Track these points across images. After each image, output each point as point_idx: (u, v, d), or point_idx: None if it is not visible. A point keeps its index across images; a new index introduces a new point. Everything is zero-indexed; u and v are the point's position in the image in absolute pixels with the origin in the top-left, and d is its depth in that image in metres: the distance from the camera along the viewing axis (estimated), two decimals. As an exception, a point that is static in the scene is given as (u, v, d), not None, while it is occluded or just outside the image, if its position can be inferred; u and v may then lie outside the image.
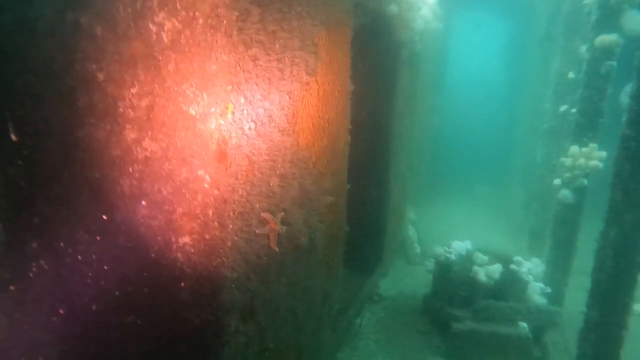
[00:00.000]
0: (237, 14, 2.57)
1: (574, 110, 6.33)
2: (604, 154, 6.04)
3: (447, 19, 13.15)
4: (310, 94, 3.74)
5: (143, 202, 2.80)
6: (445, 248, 6.48)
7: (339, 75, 4.36)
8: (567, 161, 6.22)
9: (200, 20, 2.57)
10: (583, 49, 7.77)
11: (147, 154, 2.74)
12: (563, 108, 8.28)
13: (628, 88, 4.25)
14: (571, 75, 8.10)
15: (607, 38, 5.71)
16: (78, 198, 2.67)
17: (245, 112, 2.81)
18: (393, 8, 5.82)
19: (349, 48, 4.56)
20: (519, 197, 11.57)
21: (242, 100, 2.75)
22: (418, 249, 9.57)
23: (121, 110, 2.68)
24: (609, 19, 5.74)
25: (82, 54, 2.60)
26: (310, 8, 3.50)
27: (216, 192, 2.80)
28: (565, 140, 8.42)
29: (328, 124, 4.15)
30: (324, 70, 4.00)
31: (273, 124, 3.15)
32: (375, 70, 6.50)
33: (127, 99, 2.67)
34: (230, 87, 2.63)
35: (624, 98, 4.24)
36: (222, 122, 2.68)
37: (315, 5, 3.59)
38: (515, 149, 12.79)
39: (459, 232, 11.37)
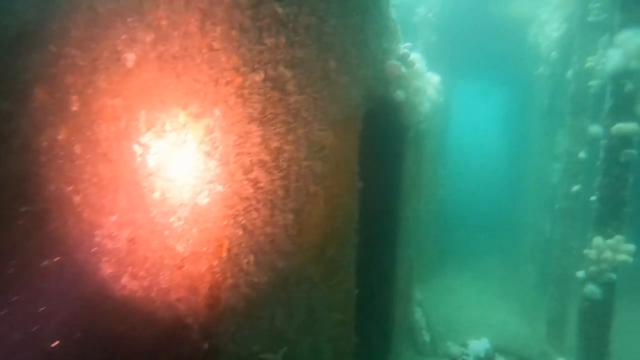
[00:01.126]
0: (234, 137, 2.19)
1: (593, 197, 5.93)
2: (632, 247, 5.60)
3: (451, 91, 13.28)
4: (317, 204, 3.33)
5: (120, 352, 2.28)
6: (462, 349, 5.83)
7: (346, 175, 3.99)
8: (592, 253, 5.75)
9: (192, 144, 2.19)
10: (592, 129, 7.58)
11: (125, 292, 2.27)
12: (576, 188, 7.95)
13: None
14: (582, 155, 7.84)
15: (625, 127, 5.44)
16: None
17: (243, 244, 2.36)
18: (400, 94, 5.58)
19: (357, 143, 4.23)
20: (530, 276, 10.99)
21: (240, 232, 2.31)
22: (427, 337, 8.84)
23: (98, 239, 2.24)
24: (624, 106, 5.50)
25: (57, 173, 2.20)
26: (318, 111, 3.17)
27: (206, 346, 2.29)
28: (579, 222, 8.05)
29: (335, 231, 3.71)
30: (332, 174, 3.62)
31: (275, 249, 2.70)
32: (382, 156, 6.17)
33: (105, 227, 2.24)
34: (225, 222, 2.20)
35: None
36: (215, 262, 2.22)
37: (324, 107, 3.26)
38: (522, 223, 12.36)
39: (469, 314, 10.69)
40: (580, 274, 6.04)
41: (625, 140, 5.55)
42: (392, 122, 5.96)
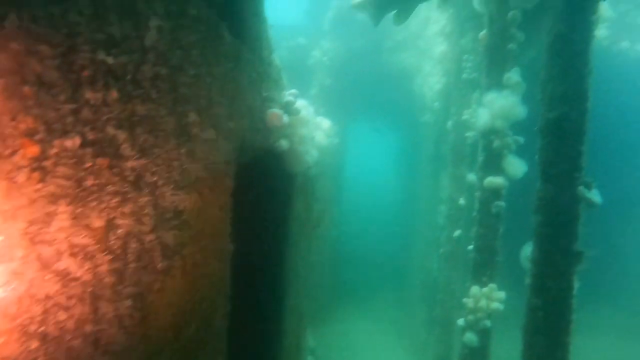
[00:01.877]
0: (24, 225, 1.70)
1: (471, 246, 6.16)
2: (503, 294, 5.85)
3: (345, 133, 13.58)
4: (171, 280, 2.87)
5: None
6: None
7: (215, 238, 3.59)
8: (469, 302, 5.90)
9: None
10: (470, 177, 8.04)
11: None
12: (457, 233, 8.31)
13: (527, 249, 4.05)
14: (462, 201, 8.24)
15: (495, 180, 5.75)
16: None
17: (41, 358, 1.84)
18: (283, 143, 5.36)
19: (229, 201, 3.87)
20: (420, 316, 11.26)
21: (35, 344, 1.79)
22: (320, 388, 8.50)
23: None
24: (493, 161, 5.83)
25: None
26: (172, 173, 2.76)
27: None
28: (461, 266, 8.40)
29: (198, 305, 3.27)
30: (194, 240, 3.21)
31: (102, 350, 2.19)
32: (263, 209, 5.86)
33: None
34: (3, 339, 1.68)
35: (524, 261, 4.06)
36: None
37: (180, 167, 2.86)
38: (412, 263, 12.76)
39: (363, 357, 10.58)
40: (460, 322, 6.17)
41: (495, 193, 5.86)
42: (275, 173, 5.71)
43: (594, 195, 3.50)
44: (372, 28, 12.86)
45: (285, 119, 4.99)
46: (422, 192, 12.14)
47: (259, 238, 5.80)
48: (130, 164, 2.27)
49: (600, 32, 8.82)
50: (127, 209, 2.29)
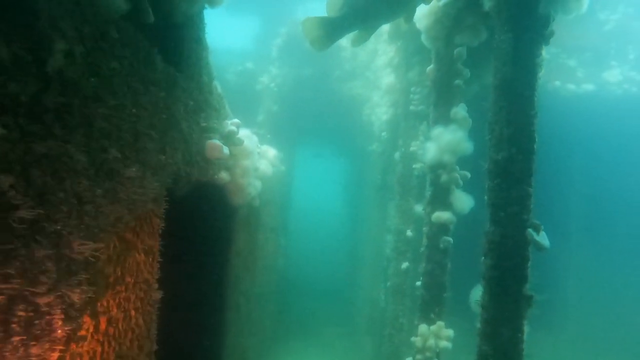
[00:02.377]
0: None
1: (418, 283, 6.01)
2: (451, 332, 5.71)
3: (293, 160, 13.35)
4: (78, 343, 2.43)
5: None
6: None
7: (138, 286, 3.17)
8: (418, 341, 5.70)
9: None
10: (417, 209, 8.00)
11: None
12: (404, 265, 8.19)
13: (477, 292, 3.91)
14: (409, 233, 8.17)
15: (442, 215, 5.67)
16: None
17: None
18: (224, 175, 5.02)
19: (157, 242, 3.46)
20: (368, 347, 11.00)
21: None
22: None
23: None
24: (440, 196, 5.76)
25: None
26: (82, 219, 2.36)
27: None
28: (408, 299, 8.25)
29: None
30: (109, 294, 2.78)
31: None
32: (204, 243, 5.44)
33: None
34: None
35: (474, 304, 3.92)
36: None
37: (95, 211, 2.47)
38: (360, 294, 12.55)
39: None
40: (409, 361, 5.96)
41: (443, 228, 5.77)
42: (216, 207, 5.33)
43: (542, 239, 3.43)
44: (320, 56, 12.88)
45: (226, 150, 4.66)
46: (370, 221, 12.05)
47: (197, 278, 5.35)
48: (19, 213, 1.87)
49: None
50: (12, 268, 1.87)
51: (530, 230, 3.46)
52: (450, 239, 5.76)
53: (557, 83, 12.01)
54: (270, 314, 11.46)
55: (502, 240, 3.52)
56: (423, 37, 5.65)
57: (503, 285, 3.51)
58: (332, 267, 16.11)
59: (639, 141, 11.81)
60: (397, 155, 8.50)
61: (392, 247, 8.43)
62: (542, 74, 3.93)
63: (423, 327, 5.74)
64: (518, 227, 3.48)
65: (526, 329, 3.65)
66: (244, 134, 5.61)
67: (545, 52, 4.25)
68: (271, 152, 7.68)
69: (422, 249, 5.95)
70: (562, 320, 11.49)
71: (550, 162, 9.93)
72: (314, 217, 18.71)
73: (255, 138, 6.19)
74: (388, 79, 9.09)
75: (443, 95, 5.70)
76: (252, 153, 5.72)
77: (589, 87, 12.13)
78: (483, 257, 3.64)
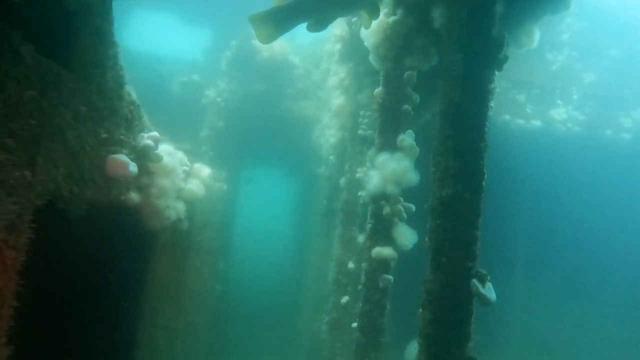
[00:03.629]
0: None
1: (354, 324, 5.45)
2: (388, 382, 5.15)
3: (236, 179, 12.63)
4: None
5: None
6: None
7: None
8: (350, 391, 5.10)
9: None
10: (361, 239, 7.50)
11: None
12: (344, 300, 7.63)
13: (412, 349, 3.38)
14: (351, 265, 7.64)
15: (383, 251, 5.17)
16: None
17: None
18: (134, 196, 4.29)
19: (13, 280, 2.70)
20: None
21: None
22: None
23: None
24: (382, 229, 5.27)
25: None
26: None
27: None
28: (347, 336, 7.66)
29: None
30: None
31: None
32: (105, 272, 4.65)
33: None
34: None
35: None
36: None
37: None
38: (302, 324, 11.85)
39: None
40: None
41: (383, 265, 5.27)
42: (122, 232, 4.57)
43: (489, 291, 2.97)
44: (272, 73, 12.34)
45: (133, 167, 3.95)
46: (315, 246, 11.47)
47: (95, 319, 4.53)
48: None
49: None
50: None
51: (474, 281, 2.99)
52: (391, 278, 5.25)
53: (507, 117, 12.09)
54: (204, 344, 10.56)
55: (442, 291, 3.03)
56: (371, 57, 5.23)
57: (442, 344, 2.99)
58: (276, 293, 15.32)
59: (582, 178, 11.99)
60: (342, 181, 8.03)
61: (333, 279, 7.86)
62: (493, 104, 3.56)
63: (357, 376, 5.15)
64: (462, 276, 3.01)
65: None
66: (165, 149, 4.93)
67: (496, 84, 3.91)
68: (205, 170, 6.97)
69: (360, 287, 5.41)
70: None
71: (498, 200, 9.76)
72: (259, 240, 17.88)
73: (180, 154, 5.51)
74: (338, 100, 8.67)
75: (390, 120, 5.26)
76: (174, 171, 5.03)
77: (537, 123, 12.27)
78: (420, 310, 3.13)
